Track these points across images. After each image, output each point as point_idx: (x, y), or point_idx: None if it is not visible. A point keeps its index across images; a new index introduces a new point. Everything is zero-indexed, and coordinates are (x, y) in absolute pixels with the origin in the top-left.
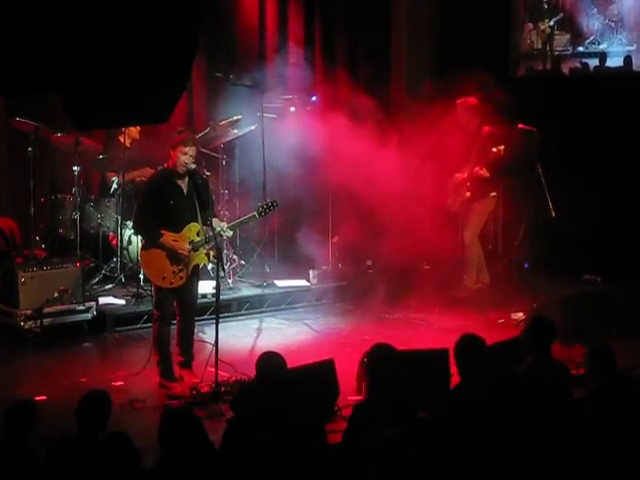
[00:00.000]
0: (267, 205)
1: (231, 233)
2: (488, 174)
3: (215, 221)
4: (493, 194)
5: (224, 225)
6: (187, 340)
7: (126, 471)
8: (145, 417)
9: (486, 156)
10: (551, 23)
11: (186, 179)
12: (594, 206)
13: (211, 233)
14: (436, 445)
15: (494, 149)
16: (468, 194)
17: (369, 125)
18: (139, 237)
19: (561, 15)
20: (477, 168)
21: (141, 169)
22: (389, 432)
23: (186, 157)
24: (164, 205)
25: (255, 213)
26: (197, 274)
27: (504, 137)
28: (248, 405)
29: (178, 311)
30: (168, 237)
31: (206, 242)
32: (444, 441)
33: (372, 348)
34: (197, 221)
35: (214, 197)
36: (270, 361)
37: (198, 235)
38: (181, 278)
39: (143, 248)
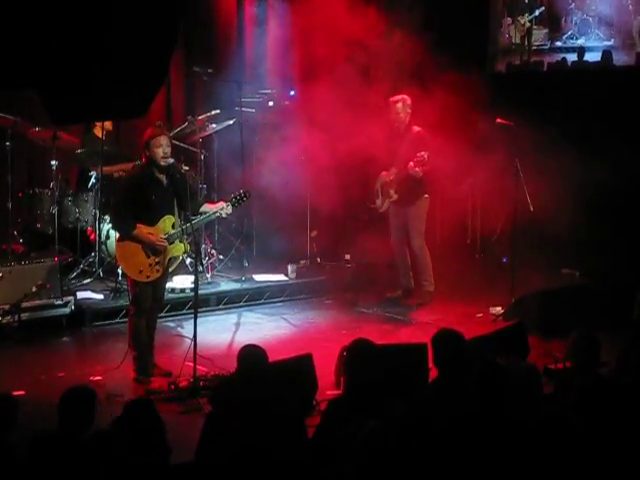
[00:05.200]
0: (240, 196)
1: (230, 210)
2: (421, 173)
3: (207, 206)
4: (426, 196)
5: (222, 205)
6: (152, 331)
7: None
8: None
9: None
10: (530, 17)
11: (165, 173)
12: (573, 200)
13: (188, 225)
14: (414, 439)
15: (419, 154)
16: (395, 196)
17: (347, 120)
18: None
19: (541, 9)
20: (411, 164)
21: (119, 164)
22: (366, 424)
23: (161, 149)
24: (145, 200)
25: (229, 205)
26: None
27: (432, 141)
28: (227, 399)
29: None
30: (143, 230)
31: (182, 234)
32: (422, 435)
33: (351, 343)
34: (173, 214)
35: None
36: (253, 354)
37: (173, 227)
38: (157, 271)
39: (118, 241)
